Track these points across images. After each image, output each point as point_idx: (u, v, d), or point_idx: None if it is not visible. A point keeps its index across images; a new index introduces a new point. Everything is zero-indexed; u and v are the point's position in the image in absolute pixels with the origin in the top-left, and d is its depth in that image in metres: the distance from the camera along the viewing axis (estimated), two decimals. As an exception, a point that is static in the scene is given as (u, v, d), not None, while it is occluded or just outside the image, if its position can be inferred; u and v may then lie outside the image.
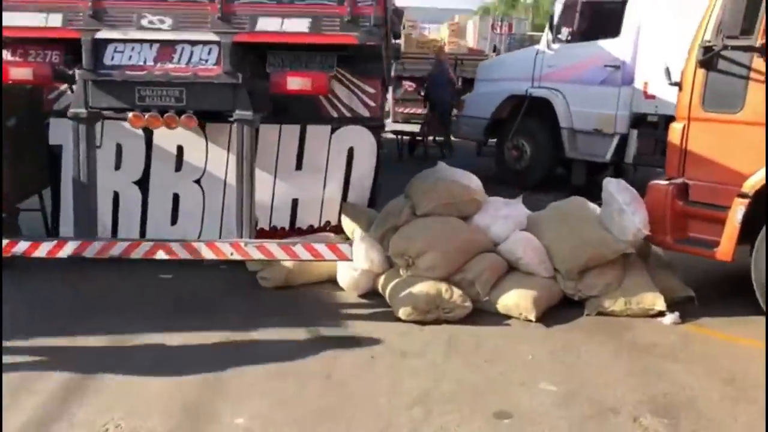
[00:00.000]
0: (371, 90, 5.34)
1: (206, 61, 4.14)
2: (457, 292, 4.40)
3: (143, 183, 5.34)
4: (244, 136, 4.22)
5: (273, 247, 4.21)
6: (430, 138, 12.59)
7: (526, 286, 4.55)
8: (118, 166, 5.33)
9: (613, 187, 4.83)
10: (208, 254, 4.18)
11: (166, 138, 5.16)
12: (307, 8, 4.07)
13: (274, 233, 5.46)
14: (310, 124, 5.34)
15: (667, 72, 5.06)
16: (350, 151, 5.40)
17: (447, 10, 30.62)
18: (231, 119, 4.25)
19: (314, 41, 4.14)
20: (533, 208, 5.32)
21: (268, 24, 4.06)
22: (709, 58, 4.58)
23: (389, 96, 20.11)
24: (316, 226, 5.51)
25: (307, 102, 5.26)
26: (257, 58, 4.36)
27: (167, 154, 5.30)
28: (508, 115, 9.81)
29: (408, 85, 18.07)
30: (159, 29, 4.07)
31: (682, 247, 4.84)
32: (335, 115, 5.36)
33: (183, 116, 4.16)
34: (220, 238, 5.22)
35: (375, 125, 5.38)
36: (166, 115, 4.15)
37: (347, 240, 4.99)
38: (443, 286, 4.39)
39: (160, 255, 4.16)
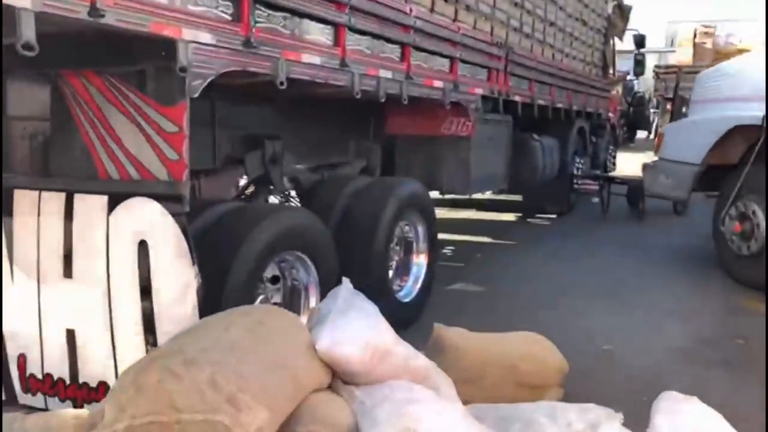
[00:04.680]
0: (170, 128, 2.57)
1: None
2: None
3: None
4: None
5: None
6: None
7: None
8: None
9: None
10: None
11: None
12: None
13: (50, 388, 3.01)
14: (78, 191, 2.77)
15: None
16: (143, 247, 2.68)
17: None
18: None
19: None
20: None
21: None
22: None
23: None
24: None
25: (78, 147, 2.76)
26: None
27: None
28: (740, 161, 5.81)
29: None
30: None
31: None
32: (115, 174, 2.71)
33: None
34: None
35: (178, 199, 2.58)
36: None
37: None
38: None
39: None
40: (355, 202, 4.12)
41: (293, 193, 4.49)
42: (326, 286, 3.46)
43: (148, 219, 2.62)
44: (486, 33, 5.29)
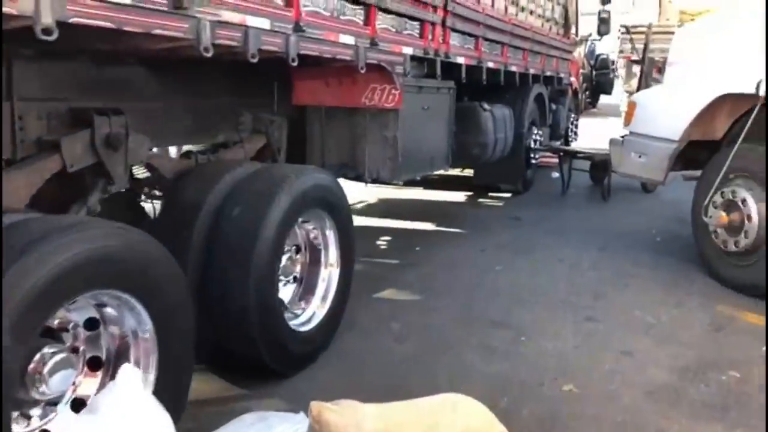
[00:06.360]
0: None
1: None
2: None
3: None
4: None
5: None
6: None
7: None
8: None
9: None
10: None
11: None
12: None
13: None
14: None
15: None
16: None
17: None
18: None
19: None
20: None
21: None
22: None
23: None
24: None
25: None
26: None
27: None
28: (724, 137, 4.87)
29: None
30: None
31: None
32: None
33: None
34: None
35: None
36: None
37: None
38: None
39: None
40: (232, 200, 3.01)
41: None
42: (166, 333, 2.38)
43: None
44: (418, -24, 4.16)
